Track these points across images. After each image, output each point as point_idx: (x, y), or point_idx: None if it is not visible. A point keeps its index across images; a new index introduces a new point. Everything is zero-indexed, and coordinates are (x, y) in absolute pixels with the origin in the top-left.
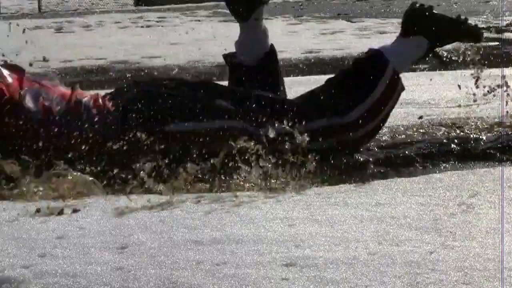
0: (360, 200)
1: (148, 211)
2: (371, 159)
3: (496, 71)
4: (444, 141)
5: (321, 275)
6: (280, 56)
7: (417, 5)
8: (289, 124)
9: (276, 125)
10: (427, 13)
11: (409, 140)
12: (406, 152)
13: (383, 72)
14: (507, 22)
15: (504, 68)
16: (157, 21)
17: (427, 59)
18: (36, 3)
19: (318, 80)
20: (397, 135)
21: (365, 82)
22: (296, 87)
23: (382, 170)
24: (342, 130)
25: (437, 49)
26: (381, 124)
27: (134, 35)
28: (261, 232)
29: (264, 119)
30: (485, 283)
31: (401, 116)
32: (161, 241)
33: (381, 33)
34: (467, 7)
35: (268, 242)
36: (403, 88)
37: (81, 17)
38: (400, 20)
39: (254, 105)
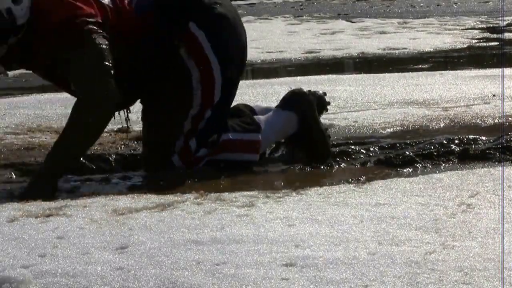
0: (360, 200)
1: (148, 211)
2: (371, 159)
3: (496, 71)
4: (444, 141)
5: (321, 275)
6: (280, 56)
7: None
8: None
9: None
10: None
11: (409, 140)
12: (406, 152)
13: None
14: (507, 22)
15: (504, 68)
16: None
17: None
18: None
19: (318, 80)
20: (397, 135)
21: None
22: (296, 87)
23: (382, 170)
24: None
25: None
26: None
27: None
28: (261, 232)
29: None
30: (485, 283)
31: (401, 116)
32: (161, 241)
33: (381, 33)
34: (467, 7)
35: (268, 242)
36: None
37: None
38: (400, 20)
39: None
